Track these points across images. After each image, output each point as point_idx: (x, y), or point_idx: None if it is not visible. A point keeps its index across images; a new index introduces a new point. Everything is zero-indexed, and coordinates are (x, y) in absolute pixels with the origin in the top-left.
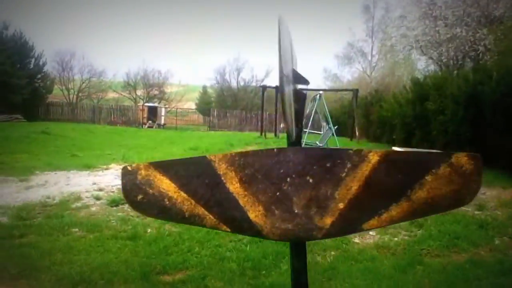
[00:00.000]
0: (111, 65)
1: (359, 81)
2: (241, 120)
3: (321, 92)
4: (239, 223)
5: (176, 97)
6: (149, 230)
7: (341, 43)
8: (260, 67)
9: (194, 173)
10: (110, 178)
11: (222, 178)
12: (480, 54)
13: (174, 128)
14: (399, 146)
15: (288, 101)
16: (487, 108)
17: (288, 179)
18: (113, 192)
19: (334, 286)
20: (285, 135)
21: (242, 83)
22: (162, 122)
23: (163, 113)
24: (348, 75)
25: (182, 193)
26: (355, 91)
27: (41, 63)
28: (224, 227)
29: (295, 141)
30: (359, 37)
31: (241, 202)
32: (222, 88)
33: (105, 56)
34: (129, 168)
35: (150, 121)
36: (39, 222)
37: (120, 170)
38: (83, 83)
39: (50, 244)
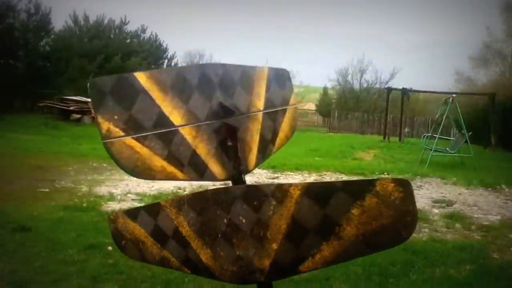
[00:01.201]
0: None
1: (496, 84)
2: (362, 122)
3: (453, 95)
4: (196, 265)
5: (296, 97)
6: None
7: (476, 43)
8: (385, 69)
9: (154, 219)
10: None
11: (175, 223)
12: None
13: None
14: None
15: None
16: None
17: (225, 221)
18: None
19: None
20: (410, 139)
21: (365, 85)
22: None
23: None
24: (484, 78)
25: (150, 238)
26: (492, 95)
27: (173, 64)
28: (186, 269)
29: (235, 179)
30: (497, 37)
31: (193, 245)
32: (344, 90)
33: (231, 57)
34: (111, 216)
35: None
36: None
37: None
38: None
39: None
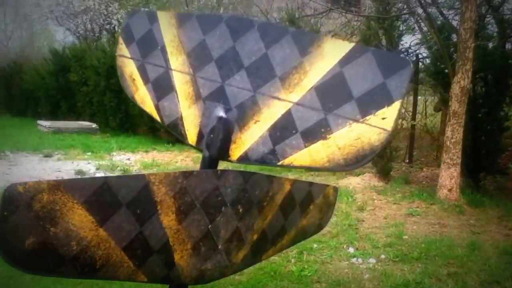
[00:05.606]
0: None
1: None
2: None
3: None
4: (159, 269)
5: None
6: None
7: None
8: None
9: (124, 199)
10: None
11: (158, 208)
12: (115, 27)
13: None
14: (45, 119)
15: None
16: None
17: (223, 209)
18: None
19: None
20: None
21: None
22: None
23: None
24: None
25: (101, 231)
26: None
27: None
28: (142, 277)
29: (212, 159)
30: None
31: (171, 240)
32: None
33: None
34: (20, 188)
35: None
36: None
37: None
38: None
39: None
